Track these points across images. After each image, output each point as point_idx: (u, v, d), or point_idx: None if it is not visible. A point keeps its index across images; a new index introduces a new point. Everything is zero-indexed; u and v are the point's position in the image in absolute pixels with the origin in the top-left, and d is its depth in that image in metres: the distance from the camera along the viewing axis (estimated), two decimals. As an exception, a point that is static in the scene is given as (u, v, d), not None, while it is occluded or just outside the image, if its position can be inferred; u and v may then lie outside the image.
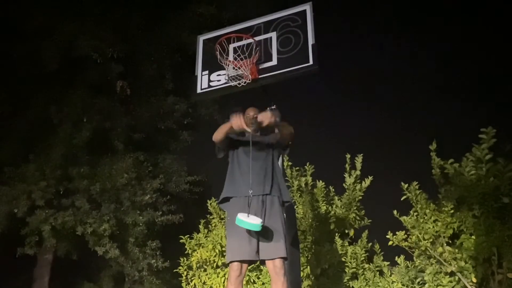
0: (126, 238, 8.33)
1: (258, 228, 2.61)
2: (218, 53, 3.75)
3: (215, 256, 5.32)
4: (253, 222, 2.59)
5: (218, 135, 2.90)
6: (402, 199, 4.51)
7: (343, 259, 4.88)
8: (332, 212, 5.30)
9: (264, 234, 2.73)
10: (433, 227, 4.18)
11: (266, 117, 2.74)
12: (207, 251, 5.34)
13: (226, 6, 8.90)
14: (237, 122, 2.75)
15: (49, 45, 7.70)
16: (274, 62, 3.82)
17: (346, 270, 4.82)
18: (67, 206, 7.85)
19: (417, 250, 4.37)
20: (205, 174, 9.80)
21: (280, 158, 3.28)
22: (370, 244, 4.98)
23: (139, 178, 8.50)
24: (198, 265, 5.47)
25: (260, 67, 3.79)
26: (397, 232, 4.45)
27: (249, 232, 2.72)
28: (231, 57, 3.82)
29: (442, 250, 4.08)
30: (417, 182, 4.45)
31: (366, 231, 5.08)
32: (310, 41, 3.74)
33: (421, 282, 4.18)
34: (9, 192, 7.60)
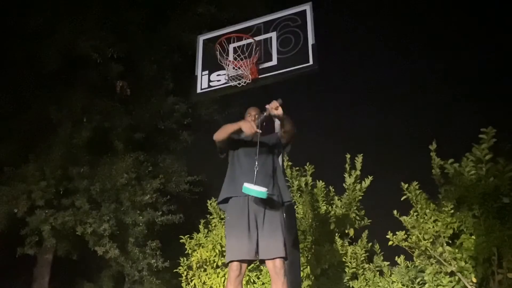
0: (126, 238, 8.32)
1: (265, 196, 2.64)
2: (218, 53, 3.75)
3: (215, 256, 5.32)
4: (259, 189, 2.63)
5: (221, 135, 2.89)
6: (402, 199, 4.51)
7: (343, 259, 4.87)
8: (332, 212, 5.29)
9: (264, 233, 2.73)
10: (433, 227, 4.17)
11: (275, 106, 2.74)
12: (207, 251, 5.34)
13: (226, 6, 8.91)
14: (248, 126, 2.75)
15: (49, 45, 7.70)
16: (274, 62, 3.82)
17: (346, 270, 4.82)
18: (67, 206, 7.85)
19: (417, 250, 4.36)
20: (205, 174, 9.81)
21: (280, 158, 3.28)
22: (370, 244, 4.97)
23: (139, 178, 8.50)
24: (198, 265, 5.47)
25: (260, 67, 3.79)
26: (397, 232, 4.45)
27: (248, 231, 2.71)
28: (231, 57, 3.82)
29: (442, 250, 4.08)
30: (417, 182, 4.45)
31: (366, 231, 5.08)
32: (310, 41, 3.74)
33: (421, 282, 4.18)
34: (9, 192, 7.60)
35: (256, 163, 2.80)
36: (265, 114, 2.82)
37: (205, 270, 5.45)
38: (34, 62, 7.75)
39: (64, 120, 8.14)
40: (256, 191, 2.62)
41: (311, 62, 3.65)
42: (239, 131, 2.84)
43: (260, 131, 2.85)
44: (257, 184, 2.78)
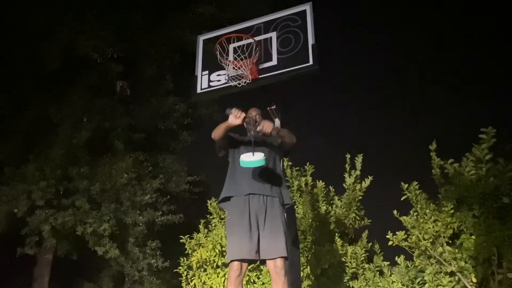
0: (126, 238, 8.33)
1: (263, 162, 2.66)
2: (218, 53, 3.75)
3: (215, 256, 5.32)
4: (257, 159, 2.66)
5: (217, 133, 2.90)
6: (402, 199, 4.50)
7: (343, 259, 4.87)
8: (332, 212, 5.29)
9: (265, 233, 2.73)
10: (433, 227, 4.17)
11: (267, 127, 2.75)
12: (207, 251, 5.34)
13: (226, 6, 8.91)
14: (232, 118, 2.77)
15: (49, 45, 7.70)
16: (274, 62, 3.81)
17: (346, 270, 4.82)
18: (67, 206, 7.85)
19: (417, 250, 4.36)
20: (205, 174, 9.81)
21: (281, 160, 3.28)
22: (370, 244, 4.97)
23: (139, 178, 8.50)
24: (198, 265, 5.46)
25: (260, 67, 3.78)
26: (397, 232, 4.45)
27: (250, 231, 2.71)
28: (231, 57, 3.81)
29: (442, 250, 4.08)
30: (417, 182, 4.44)
31: (366, 231, 5.08)
32: (310, 41, 3.73)
33: (421, 282, 4.18)
34: (9, 192, 7.60)
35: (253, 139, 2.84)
36: (257, 124, 2.84)
37: (205, 270, 5.45)
38: (34, 62, 7.76)
39: (64, 120, 8.14)
40: (254, 161, 2.65)
41: (311, 62, 3.64)
42: (230, 125, 2.83)
43: (245, 125, 2.88)
44: (257, 186, 2.78)
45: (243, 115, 2.78)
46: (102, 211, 7.98)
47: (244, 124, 2.91)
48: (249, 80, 3.69)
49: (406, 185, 4.48)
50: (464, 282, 3.90)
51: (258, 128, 2.80)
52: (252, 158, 2.66)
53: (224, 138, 2.94)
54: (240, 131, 3.12)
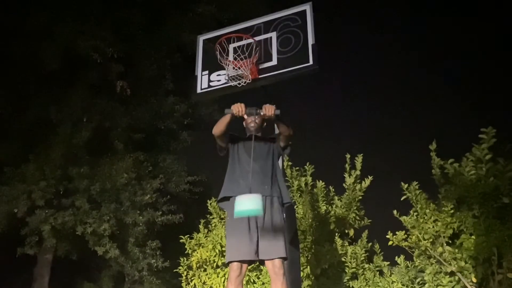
0: (126, 238, 8.34)
1: (260, 213, 2.48)
2: (218, 53, 3.75)
3: (215, 256, 5.32)
4: (253, 208, 2.45)
5: (218, 128, 2.88)
6: (402, 199, 4.50)
7: (343, 259, 4.87)
8: (332, 212, 5.29)
9: (264, 234, 2.73)
10: (433, 227, 4.17)
11: (269, 109, 2.75)
12: (207, 251, 5.34)
13: (226, 6, 8.92)
14: (237, 107, 2.77)
15: (49, 45, 7.70)
16: (274, 62, 3.81)
17: (346, 270, 4.82)
18: (67, 206, 7.86)
19: (417, 250, 4.36)
20: (205, 174, 9.82)
21: (280, 158, 3.28)
22: (370, 244, 4.97)
23: (139, 178, 8.50)
24: (198, 265, 5.47)
25: (260, 67, 3.78)
26: (397, 232, 4.45)
27: (249, 232, 2.71)
28: (231, 57, 3.81)
29: (442, 250, 4.08)
30: (417, 182, 4.44)
31: (366, 231, 5.08)
32: (310, 41, 3.73)
33: (421, 282, 4.18)
34: (9, 192, 7.61)
35: (252, 161, 2.79)
36: (258, 112, 2.84)
37: (205, 270, 5.45)
38: (34, 62, 7.76)
39: (64, 120, 8.15)
40: (249, 210, 2.46)
41: (311, 62, 3.64)
42: (231, 117, 2.83)
43: (245, 117, 2.86)
44: (256, 187, 2.76)
45: (243, 106, 2.79)
46: (102, 211, 7.98)
47: (245, 116, 2.91)
48: (249, 80, 3.69)
49: (406, 185, 4.48)
50: (464, 282, 3.90)
51: (262, 113, 2.78)
52: (247, 207, 2.45)
53: (225, 133, 2.92)
54: (240, 131, 3.12)
